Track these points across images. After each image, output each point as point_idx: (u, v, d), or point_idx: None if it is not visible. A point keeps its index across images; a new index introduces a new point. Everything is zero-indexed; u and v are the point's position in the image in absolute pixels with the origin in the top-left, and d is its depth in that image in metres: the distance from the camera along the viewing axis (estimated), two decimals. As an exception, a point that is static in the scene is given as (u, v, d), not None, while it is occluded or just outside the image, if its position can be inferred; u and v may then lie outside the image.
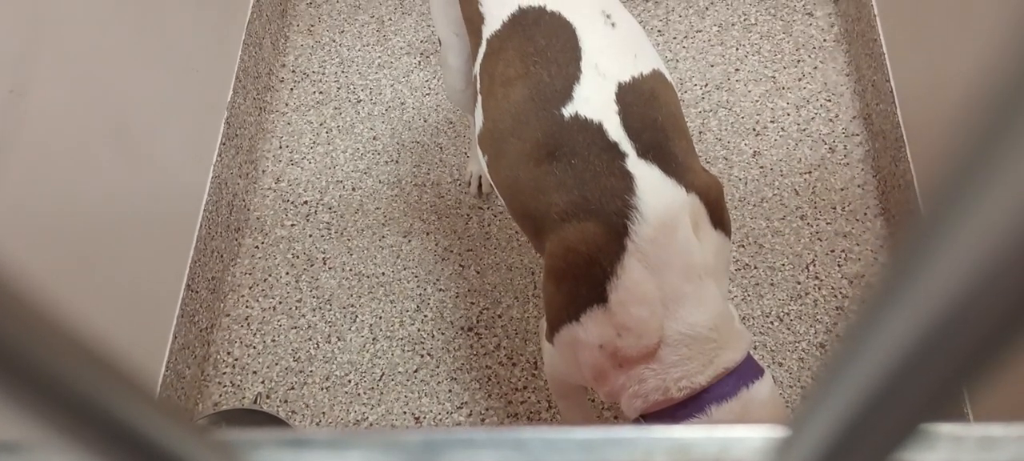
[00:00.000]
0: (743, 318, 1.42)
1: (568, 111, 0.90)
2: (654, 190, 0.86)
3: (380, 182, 1.61)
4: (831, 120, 1.63)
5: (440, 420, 1.37)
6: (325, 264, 1.52)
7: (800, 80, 1.69)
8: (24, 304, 0.13)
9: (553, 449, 0.23)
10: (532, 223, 0.93)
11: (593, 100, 0.91)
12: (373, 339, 1.44)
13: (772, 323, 1.42)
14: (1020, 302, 0.11)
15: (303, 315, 1.48)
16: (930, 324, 0.12)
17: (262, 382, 1.42)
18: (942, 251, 0.11)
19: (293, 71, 1.77)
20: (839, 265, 1.48)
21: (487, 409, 1.38)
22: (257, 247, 1.56)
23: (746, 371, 0.87)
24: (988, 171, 0.10)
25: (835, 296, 1.44)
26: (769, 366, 1.39)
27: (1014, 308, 0.11)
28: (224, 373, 1.44)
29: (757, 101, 1.66)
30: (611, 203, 0.85)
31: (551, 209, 0.89)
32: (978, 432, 0.22)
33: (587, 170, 0.87)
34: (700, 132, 1.62)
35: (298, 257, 1.54)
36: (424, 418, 1.38)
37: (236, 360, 1.45)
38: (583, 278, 0.86)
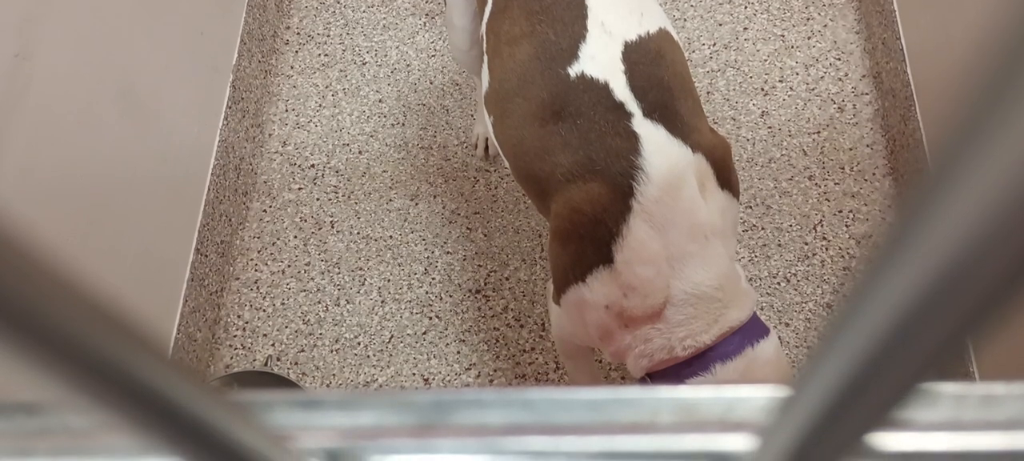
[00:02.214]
0: (750, 279, 1.42)
1: (574, 70, 0.90)
2: (660, 150, 0.86)
3: (387, 145, 1.60)
4: (840, 79, 1.62)
5: (449, 381, 1.39)
6: (333, 227, 1.53)
7: (809, 39, 1.67)
8: (40, 265, 0.13)
9: (561, 409, 0.23)
10: (537, 185, 0.93)
11: (599, 59, 0.90)
12: (382, 302, 1.45)
13: (779, 284, 1.43)
14: (1022, 256, 0.11)
15: (312, 278, 1.49)
16: (932, 281, 0.12)
17: (272, 345, 1.44)
18: (945, 208, 0.11)
19: (298, 33, 1.76)
20: (847, 225, 1.47)
21: (495, 370, 1.39)
22: (265, 211, 1.56)
23: (751, 330, 0.87)
24: (993, 126, 0.10)
25: (843, 256, 1.44)
26: (776, 327, 1.39)
27: (1016, 265, 0.11)
28: (235, 336, 1.45)
29: (766, 60, 1.64)
30: (617, 163, 0.85)
31: (557, 170, 0.89)
32: (980, 391, 0.22)
33: (593, 130, 0.87)
34: (708, 92, 1.61)
35: (306, 221, 1.54)
36: (433, 379, 1.39)
37: (246, 323, 1.46)
38: (589, 239, 0.86)
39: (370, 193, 1.56)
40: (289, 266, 1.50)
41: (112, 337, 0.15)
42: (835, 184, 1.51)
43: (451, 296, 1.45)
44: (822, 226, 1.47)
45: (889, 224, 0.12)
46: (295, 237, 1.53)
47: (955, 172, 0.11)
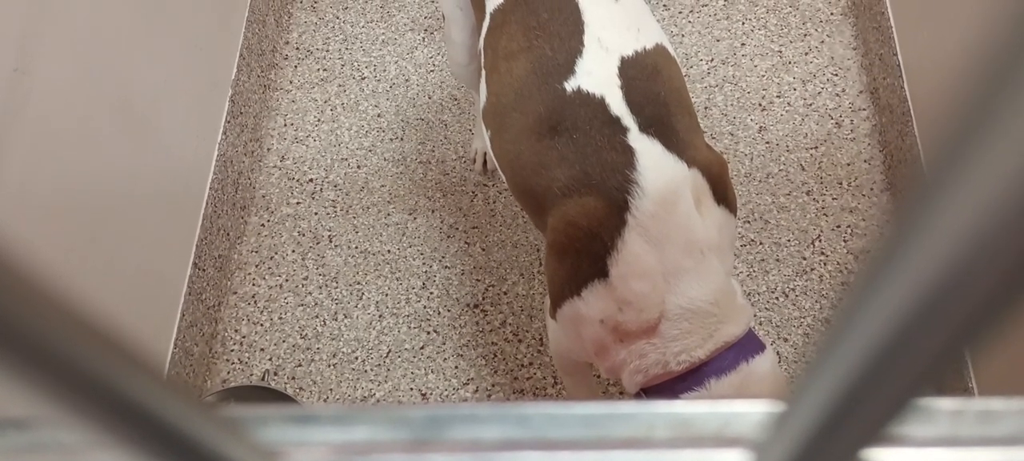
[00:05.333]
0: (748, 294, 1.42)
1: (570, 85, 0.90)
2: (655, 165, 0.86)
3: (385, 160, 1.61)
4: (838, 95, 1.62)
5: (446, 396, 1.38)
6: (331, 242, 1.53)
7: (807, 54, 1.67)
8: (32, 282, 0.13)
9: (556, 424, 0.23)
10: (534, 199, 0.93)
11: (596, 74, 0.90)
12: (379, 316, 1.45)
13: (777, 299, 1.42)
14: (1017, 268, 0.11)
15: (309, 293, 1.48)
16: (926, 294, 0.12)
17: (270, 359, 1.43)
18: (939, 220, 0.11)
19: (297, 48, 1.76)
20: (845, 240, 1.47)
21: (493, 385, 1.39)
22: (263, 225, 1.56)
23: (747, 346, 0.87)
24: (987, 138, 0.10)
25: (841, 272, 1.44)
26: (774, 342, 1.39)
27: (1011, 275, 0.11)
28: (232, 350, 1.45)
29: (763, 76, 1.65)
30: (612, 178, 0.85)
31: (553, 184, 0.89)
32: (978, 406, 0.22)
33: (589, 144, 0.87)
34: (706, 107, 1.61)
35: (304, 235, 1.54)
36: (430, 394, 1.39)
37: (243, 337, 1.46)
38: (584, 253, 0.86)
39: (368, 207, 1.56)
40: (287, 280, 1.50)
41: (102, 354, 0.15)
42: (833, 199, 1.51)
43: (449, 310, 1.45)
44: (820, 241, 1.47)
45: (884, 237, 0.12)
46: (293, 251, 1.53)
47: (949, 184, 0.11)
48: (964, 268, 0.11)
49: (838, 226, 1.49)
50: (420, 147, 1.62)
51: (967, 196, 0.11)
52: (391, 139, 1.63)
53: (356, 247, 1.52)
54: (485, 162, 1.55)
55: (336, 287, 1.48)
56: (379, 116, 1.66)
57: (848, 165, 1.54)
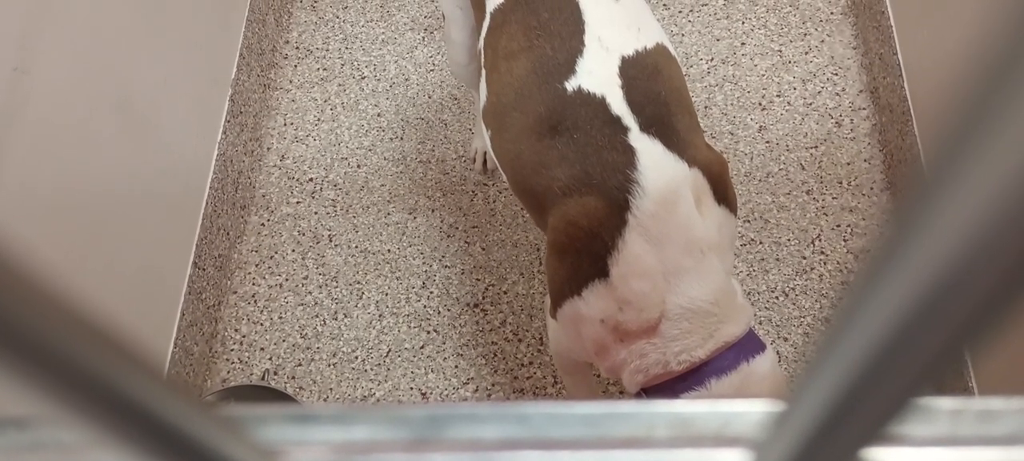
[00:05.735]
0: (748, 293, 1.42)
1: (571, 85, 0.90)
2: (656, 165, 0.86)
3: (385, 159, 1.61)
4: (838, 94, 1.62)
5: (446, 395, 1.38)
6: (331, 241, 1.53)
7: (807, 54, 1.67)
8: (31, 282, 0.13)
9: (556, 423, 0.23)
10: (534, 199, 0.93)
11: (596, 73, 0.90)
12: (379, 315, 1.45)
13: (777, 298, 1.42)
14: (1017, 267, 0.11)
15: (309, 292, 1.48)
16: (925, 292, 0.12)
17: (269, 359, 1.43)
18: (938, 218, 0.11)
19: (297, 48, 1.76)
20: (845, 240, 1.47)
21: (493, 385, 1.39)
22: (263, 224, 1.56)
23: (747, 346, 0.87)
24: (987, 136, 0.10)
25: (841, 271, 1.44)
26: (774, 342, 1.39)
27: (1010, 274, 0.11)
28: (232, 350, 1.45)
29: (763, 75, 1.65)
30: (613, 177, 0.85)
31: (553, 184, 0.89)
32: (978, 406, 0.22)
33: (589, 144, 0.87)
34: (706, 107, 1.61)
35: (304, 234, 1.54)
36: (430, 394, 1.39)
37: (243, 337, 1.46)
38: (585, 253, 0.86)
39: (368, 207, 1.56)
40: (287, 280, 1.50)
41: (102, 353, 0.15)
42: (833, 198, 1.51)
43: (449, 310, 1.45)
44: (820, 240, 1.47)
45: (883, 236, 0.12)
46: (293, 251, 1.53)
47: (949, 183, 0.11)
48: (964, 267, 0.11)
49: (838, 225, 1.49)
50: (420, 146, 1.62)
51: (967, 195, 0.11)
52: (391, 138, 1.63)
53: (356, 246, 1.52)
54: (485, 161, 1.55)
55: (336, 286, 1.48)
56: (379, 115, 1.66)
57: (848, 164, 1.54)
